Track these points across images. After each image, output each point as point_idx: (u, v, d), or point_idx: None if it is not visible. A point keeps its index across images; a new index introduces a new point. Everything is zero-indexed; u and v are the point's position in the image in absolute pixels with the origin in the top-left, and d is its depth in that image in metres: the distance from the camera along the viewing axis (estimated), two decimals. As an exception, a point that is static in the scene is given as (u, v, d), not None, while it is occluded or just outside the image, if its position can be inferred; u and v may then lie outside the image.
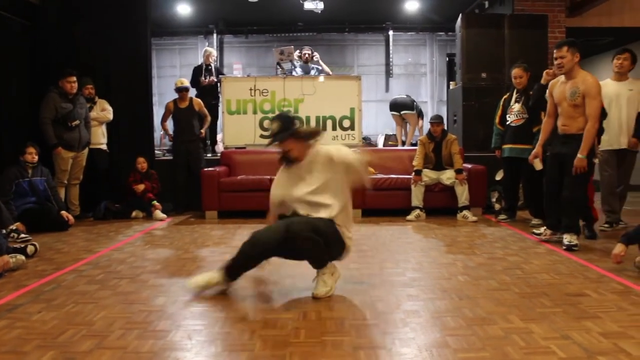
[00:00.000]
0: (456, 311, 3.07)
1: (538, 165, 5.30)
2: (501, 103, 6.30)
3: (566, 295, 3.35)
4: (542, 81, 5.57)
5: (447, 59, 11.10)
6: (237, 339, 2.68)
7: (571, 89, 4.66)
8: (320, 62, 9.19)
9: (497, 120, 6.28)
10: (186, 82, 7.61)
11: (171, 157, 7.81)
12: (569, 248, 4.62)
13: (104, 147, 7.26)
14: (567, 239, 4.69)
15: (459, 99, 8.23)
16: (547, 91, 5.04)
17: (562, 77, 4.81)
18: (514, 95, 6.09)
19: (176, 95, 7.47)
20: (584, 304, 3.16)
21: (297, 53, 9.02)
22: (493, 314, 2.99)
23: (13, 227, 5.32)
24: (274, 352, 2.50)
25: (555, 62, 4.71)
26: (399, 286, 3.63)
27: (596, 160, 4.86)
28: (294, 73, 8.87)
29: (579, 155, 4.58)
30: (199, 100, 7.69)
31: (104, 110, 7.17)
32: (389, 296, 3.38)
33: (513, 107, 6.05)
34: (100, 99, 7.19)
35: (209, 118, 7.80)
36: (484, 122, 7.53)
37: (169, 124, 7.55)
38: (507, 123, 6.11)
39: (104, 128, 7.25)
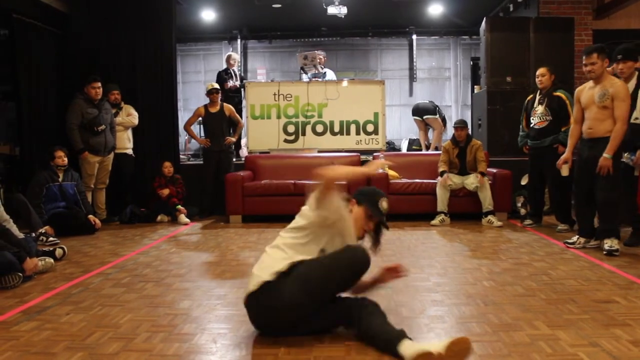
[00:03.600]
0: (481, 317, 3.04)
1: (565, 171, 5.22)
2: (525, 105, 6.28)
3: (594, 301, 3.30)
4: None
5: (472, 62, 11.04)
6: (261, 343, 2.68)
7: (600, 92, 4.64)
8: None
9: (523, 123, 6.25)
10: (216, 85, 7.65)
11: (196, 162, 7.88)
12: (610, 253, 4.55)
13: (130, 152, 7.36)
14: (607, 243, 4.62)
15: (484, 103, 8.16)
16: (574, 97, 5.00)
17: (589, 83, 4.82)
18: (537, 97, 6.05)
19: (204, 100, 7.52)
20: (612, 310, 3.10)
21: (320, 57, 9.10)
22: (519, 320, 2.96)
23: (42, 230, 5.43)
24: (298, 356, 2.50)
25: (585, 69, 4.71)
26: (423, 291, 3.61)
27: (626, 160, 4.80)
28: (326, 78, 8.97)
29: (604, 155, 4.56)
30: (230, 106, 7.72)
31: (130, 115, 7.27)
32: (413, 301, 3.36)
33: (536, 109, 6.02)
34: (126, 104, 7.29)
35: (241, 124, 7.81)
36: (508, 126, 7.47)
37: (196, 130, 7.59)
38: (531, 125, 6.07)
39: (129, 133, 7.35)
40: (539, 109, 5.97)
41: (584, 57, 4.73)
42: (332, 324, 2.77)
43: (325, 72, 9.27)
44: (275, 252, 2.75)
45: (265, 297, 2.64)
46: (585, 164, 4.83)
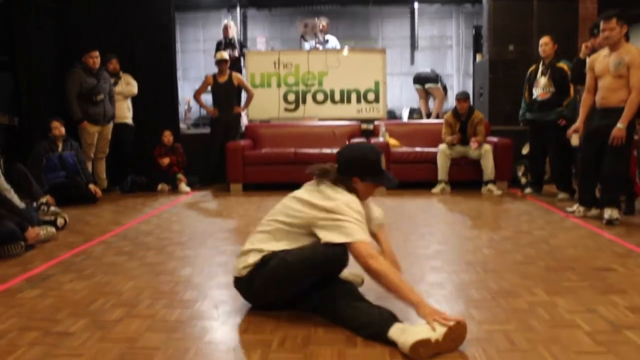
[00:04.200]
0: (481, 284, 3.06)
1: (575, 140, 5.15)
2: (527, 76, 6.21)
3: (593, 269, 3.32)
4: (581, 55, 5.35)
5: (474, 31, 10.88)
6: (262, 309, 2.70)
7: (615, 60, 4.48)
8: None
9: (526, 94, 6.20)
10: (225, 55, 7.54)
11: (196, 131, 7.86)
12: (610, 222, 4.53)
13: (130, 121, 7.33)
14: (607, 212, 4.58)
15: (486, 72, 8.09)
16: (587, 66, 4.86)
17: (604, 51, 4.64)
18: (540, 68, 5.99)
19: (202, 68, 7.46)
20: (611, 278, 3.13)
21: (320, 25, 8.98)
22: (518, 287, 2.98)
23: (43, 200, 5.44)
24: (299, 322, 2.53)
25: (603, 34, 4.50)
26: (423, 259, 3.64)
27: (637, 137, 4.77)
28: (327, 46, 8.86)
29: (618, 125, 4.44)
30: (239, 75, 7.64)
31: (129, 85, 7.22)
32: (413, 268, 3.38)
33: (539, 80, 5.97)
34: (125, 74, 7.23)
35: (252, 93, 7.68)
36: (510, 95, 7.42)
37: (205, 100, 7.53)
38: (534, 97, 6.03)
39: (129, 102, 7.31)
40: (542, 80, 5.92)
41: (601, 23, 4.52)
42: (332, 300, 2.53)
43: (327, 40, 9.15)
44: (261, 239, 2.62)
45: (243, 286, 2.65)
46: (594, 133, 4.71)
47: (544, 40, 5.92)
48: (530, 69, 6.22)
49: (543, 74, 5.94)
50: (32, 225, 4.03)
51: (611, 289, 2.93)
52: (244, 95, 8.05)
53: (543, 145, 6.04)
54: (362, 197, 2.66)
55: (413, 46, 12.44)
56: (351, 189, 2.61)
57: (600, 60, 4.66)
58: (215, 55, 7.61)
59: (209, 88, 7.55)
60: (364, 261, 2.39)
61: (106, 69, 6.96)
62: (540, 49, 5.97)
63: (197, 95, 7.60)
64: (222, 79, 7.40)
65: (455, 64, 12.62)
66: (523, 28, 7.85)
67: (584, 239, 4.10)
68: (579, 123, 5.04)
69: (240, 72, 8.67)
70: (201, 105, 7.71)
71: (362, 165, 2.62)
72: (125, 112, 7.25)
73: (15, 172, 5.49)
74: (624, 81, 4.47)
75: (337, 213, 2.44)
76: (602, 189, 4.77)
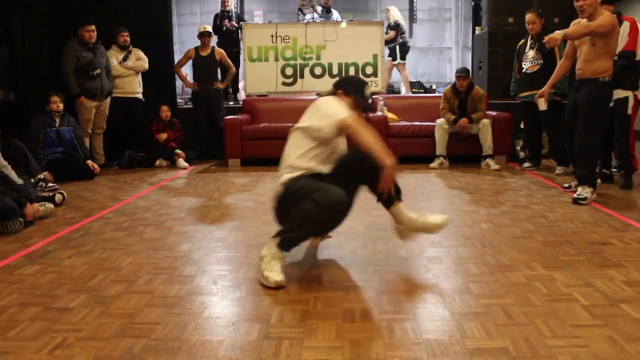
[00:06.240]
0: (479, 258, 3.08)
1: (542, 105, 5.10)
2: (517, 50, 6.20)
3: (590, 243, 3.33)
4: None
5: (473, 3, 10.75)
6: (261, 284, 2.72)
7: None
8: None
9: (516, 69, 6.20)
10: (209, 28, 7.49)
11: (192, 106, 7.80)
12: (576, 201, 4.41)
13: (140, 96, 7.26)
14: (577, 191, 4.50)
15: (485, 44, 8.02)
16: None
17: (583, 20, 4.48)
18: (529, 42, 5.98)
19: (199, 43, 7.38)
20: (608, 252, 3.14)
21: None
22: (516, 262, 3.00)
23: (41, 176, 5.44)
24: (298, 296, 2.54)
25: (577, 4, 4.37)
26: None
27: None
28: (332, 18, 8.78)
29: (556, 31, 4.32)
30: (222, 50, 7.56)
31: (140, 60, 7.13)
32: (411, 243, 3.39)
33: (527, 53, 5.97)
34: (135, 48, 7.14)
35: (233, 69, 7.62)
36: (510, 68, 7.31)
37: (186, 72, 7.46)
38: (523, 70, 6.02)
39: (139, 77, 7.23)
40: (530, 53, 5.93)
41: None
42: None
43: (331, 14, 9.03)
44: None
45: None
46: (572, 107, 4.64)
47: (531, 18, 5.87)
48: (520, 43, 6.21)
49: (531, 47, 5.94)
50: (30, 201, 4.02)
51: (608, 263, 2.95)
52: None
53: (536, 118, 6.04)
54: None
55: (411, 19, 12.32)
56: None
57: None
58: (199, 28, 7.52)
59: (191, 61, 7.48)
60: (350, 129, 2.81)
61: (116, 42, 6.95)
62: (528, 28, 5.94)
63: (177, 68, 7.51)
64: (205, 53, 7.32)
65: (454, 36, 12.54)
66: (523, 0, 7.76)
67: (581, 213, 4.11)
68: (545, 88, 5.03)
69: (239, 45, 8.59)
70: (181, 77, 7.58)
71: (348, 82, 3.23)
72: (136, 87, 7.17)
73: (12, 148, 5.46)
74: (598, 51, 4.35)
75: (322, 109, 2.93)
76: (577, 163, 4.63)
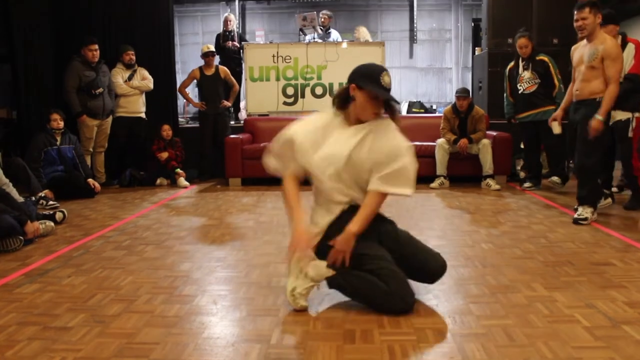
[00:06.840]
0: (479, 279, 3.07)
1: (556, 128, 5.15)
2: (507, 74, 6.27)
3: (591, 264, 3.32)
4: None
5: (473, 24, 10.87)
6: (261, 304, 2.71)
7: (590, 50, 4.35)
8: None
9: (508, 92, 6.27)
10: (212, 47, 7.57)
11: (196, 125, 7.83)
12: (576, 221, 4.39)
13: (144, 115, 7.29)
14: (578, 211, 4.47)
15: (485, 65, 8.08)
16: (571, 56, 4.76)
17: (584, 41, 4.50)
18: (521, 64, 6.04)
19: (201, 63, 7.44)
20: (609, 273, 3.13)
21: (320, 19, 8.93)
22: (517, 282, 2.99)
23: (42, 194, 5.44)
24: (298, 317, 2.53)
25: (576, 24, 4.37)
26: (422, 254, 3.63)
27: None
28: (330, 39, 8.85)
29: (596, 116, 4.24)
30: (225, 68, 7.64)
31: (145, 79, 7.18)
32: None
33: (522, 75, 6.05)
34: (140, 67, 7.19)
35: (236, 87, 7.73)
36: (510, 88, 7.40)
37: (191, 93, 7.52)
38: (520, 92, 6.07)
39: (143, 97, 7.27)
40: (526, 74, 6.01)
41: (575, 12, 4.39)
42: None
43: (330, 33, 9.10)
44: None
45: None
46: (572, 127, 4.68)
47: (524, 42, 5.98)
48: (509, 66, 6.27)
49: (525, 68, 6.02)
50: (31, 219, 4.02)
51: (609, 284, 2.93)
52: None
53: (536, 138, 6.08)
54: (360, 114, 2.67)
55: (412, 39, 12.42)
56: (346, 101, 2.68)
57: (579, 50, 4.55)
58: (202, 48, 7.58)
59: (195, 82, 7.53)
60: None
61: (122, 60, 6.99)
62: (520, 51, 6.03)
63: (181, 89, 7.56)
64: (209, 72, 7.39)
65: (454, 57, 12.60)
66: (522, 21, 7.79)
67: (582, 234, 4.10)
68: (558, 111, 5.06)
69: (241, 64, 8.65)
70: (186, 98, 7.65)
71: (361, 73, 2.63)
72: (140, 107, 7.20)
73: (13, 166, 5.48)
74: (596, 73, 4.32)
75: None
76: (577, 183, 4.59)
